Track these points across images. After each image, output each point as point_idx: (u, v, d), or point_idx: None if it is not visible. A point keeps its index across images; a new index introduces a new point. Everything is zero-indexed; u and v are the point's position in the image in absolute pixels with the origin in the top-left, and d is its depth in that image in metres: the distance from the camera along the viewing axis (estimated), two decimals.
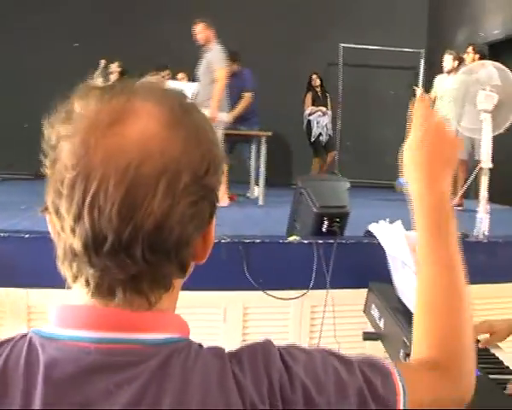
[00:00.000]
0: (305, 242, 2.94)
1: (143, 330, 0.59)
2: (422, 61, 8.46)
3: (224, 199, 4.94)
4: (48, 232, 0.61)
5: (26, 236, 2.77)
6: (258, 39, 7.54)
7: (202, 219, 0.61)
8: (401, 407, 0.65)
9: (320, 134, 7.39)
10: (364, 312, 2.35)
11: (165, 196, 0.55)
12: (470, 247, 3.14)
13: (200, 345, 0.62)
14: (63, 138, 0.57)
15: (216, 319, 2.88)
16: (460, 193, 4.38)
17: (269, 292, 2.81)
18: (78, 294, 0.60)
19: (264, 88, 6.50)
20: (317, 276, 2.84)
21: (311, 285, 2.83)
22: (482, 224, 3.42)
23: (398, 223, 1.97)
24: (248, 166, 6.15)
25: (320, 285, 2.82)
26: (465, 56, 5.81)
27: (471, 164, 5.29)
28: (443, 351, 0.74)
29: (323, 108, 7.47)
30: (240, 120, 5.83)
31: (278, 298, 2.82)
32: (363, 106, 8.30)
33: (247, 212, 5.13)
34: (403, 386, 0.65)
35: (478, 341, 1.69)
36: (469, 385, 0.74)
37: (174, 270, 0.60)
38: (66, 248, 0.58)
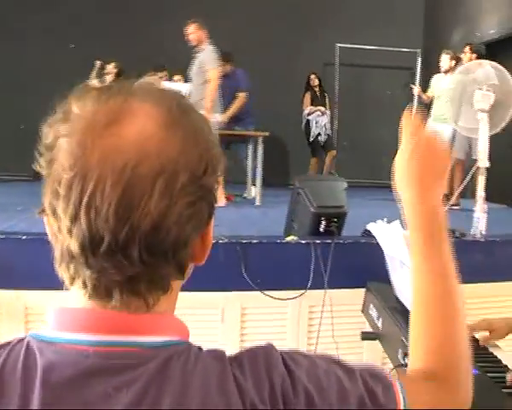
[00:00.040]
0: (303, 242, 2.94)
1: (141, 333, 0.59)
2: (419, 61, 8.46)
3: (221, 199, 4.94)
4: (45, 234, 0.61)
5: (23, 237, 2.76)
6: (254, 40, 7.54)
7: (200, 220, 0.60)
8: None
9: (319, 134, 7.38)
10: (362, 312, 2.35)
11: (162, 196, 0.55)
12: (467, 246, 3.15)
13: (199, 348, 0.61)
14: (60, 139, 0.57)
15: (214, 319, 2.88)
16: (457, 192, 4.38)
17: (266, 292, 2.81)
18: (75, 296, 0.60)
19: (261, 88, 6.50)
20: (315, 276, 2.83)
21: (308, 285, 2.82)
22: (479, 223, 3.43)
23: (396, 222, 1.97)
24: (245, 167, 6.14)
25: (318, 285, 2.82)
26: (462, 56, 5.82)
27: (468, 163, 5.31)
28: (439, 360, 0.74)
29: (322, 108, 7.46)
30: (234, 120, 5.82)
31: (276, 298, 2.82)
32: (359, 106, 8.30)
33: (244, 212, 5.12)
34: (404, 398, 0.65)
35: (477, 340, 1.69)
36: (467, 395, 0.74)
37: (172, 271, 0.60)
38: (64, 249, 0.57)
